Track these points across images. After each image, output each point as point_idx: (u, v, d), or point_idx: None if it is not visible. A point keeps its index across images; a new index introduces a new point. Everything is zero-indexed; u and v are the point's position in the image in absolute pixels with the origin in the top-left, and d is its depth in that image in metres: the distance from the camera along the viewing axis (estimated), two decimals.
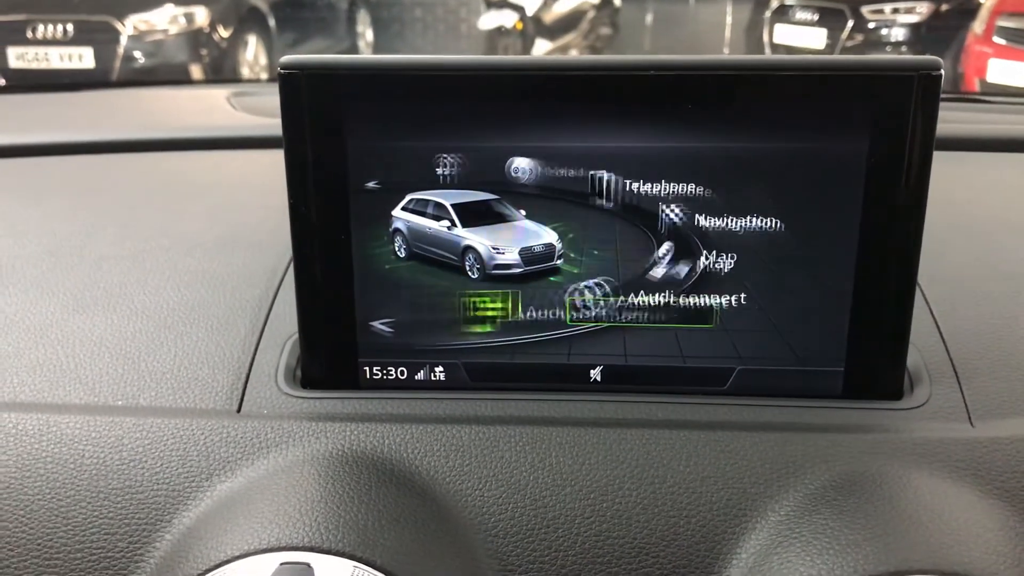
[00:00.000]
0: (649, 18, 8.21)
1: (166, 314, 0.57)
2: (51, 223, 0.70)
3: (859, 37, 5.74)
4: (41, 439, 0.49)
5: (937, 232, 0.64)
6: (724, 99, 0.47)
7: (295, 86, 0.48)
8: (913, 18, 5.67)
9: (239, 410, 0.51)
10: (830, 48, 5.78)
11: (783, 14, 6.13)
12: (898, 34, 5.70)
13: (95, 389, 0.52)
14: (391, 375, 0.52)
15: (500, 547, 0.46)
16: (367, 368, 0.52)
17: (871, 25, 5.73)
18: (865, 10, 5.73)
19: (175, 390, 0.52)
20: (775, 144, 0.48)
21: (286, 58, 0.48)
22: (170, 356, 0.54)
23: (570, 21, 7.12)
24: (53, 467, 0.48)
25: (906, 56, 0.47)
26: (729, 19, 7.67)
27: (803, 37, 6.01)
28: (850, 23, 5.74)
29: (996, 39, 4.63)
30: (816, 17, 5.94)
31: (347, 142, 0.49)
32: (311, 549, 0.42)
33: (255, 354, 0.54)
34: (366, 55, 0.52)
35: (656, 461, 0.47)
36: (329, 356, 0.52)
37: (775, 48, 6.19)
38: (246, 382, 0.52)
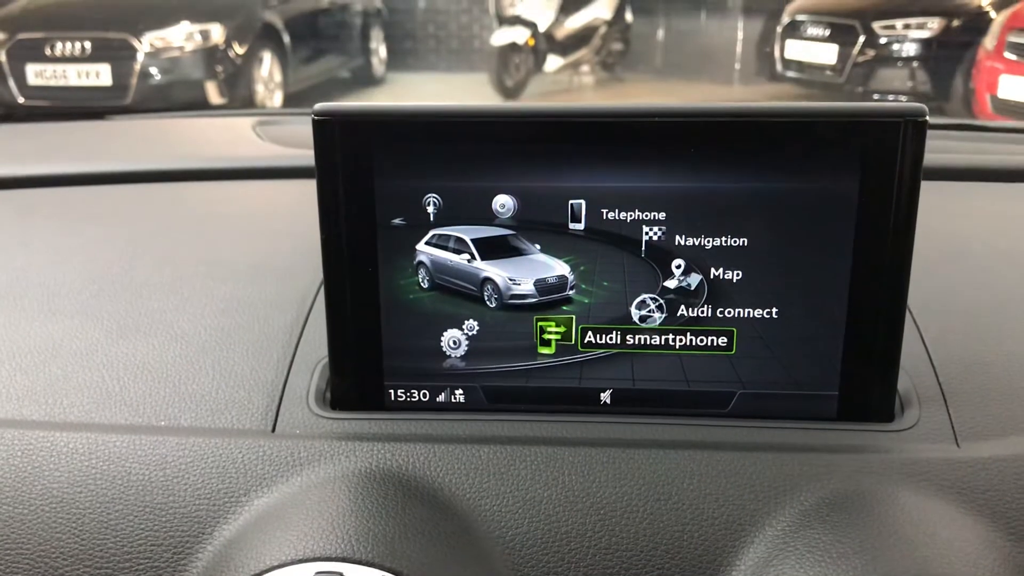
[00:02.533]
0: (661, 34, 8.25)
1: (204, 339, 0.61)
2: (91, 251, 0.74)
3: (870, 53, 5.76)
4: (90, 457, 0.53)
5: (929, 261, 0.67)
6: (726, 143, 0.51)
7: (328, 131, 0.52)
8: (924, 34, 5.69)
9: (273, 430, 0.54)
10: (841, 63, 5.80)
11: (794, 29, 6.15)
12: (909, 50, 5.71)
13: (139, 410, 0.56)
14: (414, 397, 0.56)
15: (516, 559, 0.49)
16: (392, 391, 0.56)
17: (882, 41, 5.75)
18: (876, 26, 5.74)
19: (214, 411, 0.56)
20: (773, 184, 0.51)
21: (319, 106, 0.52)
22: (208, 379, 0.58)
23: (582, 37, 7.16)
24: (102, 483, 0.52)
25: (894, 103, 0.51)
26: (740, 35, 7.70)
27: (814, 53, 6.03)
28: (861, 39, 5.75)
29: (1007, 55, 4.64)
30: (827, 33, 5.96)
31: (375, 182, 0.52)
32: (343, 559, 0.46)
33: (287, 377, 0.58)
34: (393, 103, 0.56)
35: (662, 479, 0.51)
36: (357, 379, 0.56)
37: (787, 63, 6.22)
38: (279, 403, 0.56)
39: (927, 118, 0.50)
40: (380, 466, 0.52)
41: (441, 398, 0.56)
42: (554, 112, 0.52)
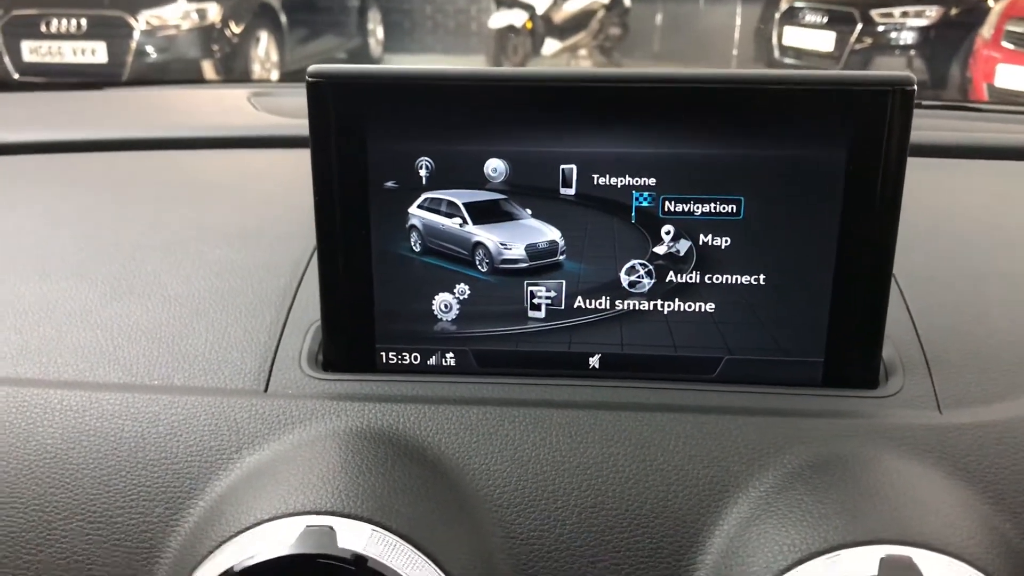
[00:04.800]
0: (659, 18, 8.24)
1: (197, 301, 0.62)
2: (85, 215, 0.74)
3: (868, 40, 5.76)
4: (84, 414, 0.54)
5: (918, 234, 0.68)
6: (716, 110, 0.51)
7: (322, 93, 0.52)
8: (922, 22, 5.69)
9: (266, 390, 0.55)
10: (839, 51, 5.80)
11: (792, 16, 6.15)
12: (907, 38, 5.72)
13: (132, 370, 0.57)
14: (405, 360, 0.57)
15: (504, 516, 0.50)
16: (383, 353, 0.57)
17: (880, 28, 5.75)
18: (874, 13, 5.74)
19: (207, 371, 0.56)
20: (762, 152, 0.52)
21: (313, 67, 0.52)
22: (202, 340, 0.58)
23: (580, 21, 7.15)
24: (96, 439, 0.53)
25: (882, 72, 0.51)
26: (739, 21, 7.69)
27: (812, 39, 6.03)
28: (859, 26, 5.75)
29: (1004, 44, 4.65)
30: (825, 20, 5.96)
31: (368, 145, 0.53)
32: (333, 513, 0.47)
33: (280, 339, 0.58)
34: (386, 66, 0.56)
35: (648, 441, 0.52)
36: (349, 342, 0.56)
37: (784, 50, 6.21)
38: (272, 364, 0.57)
39: (915, 87, 0.50)
40: (370, 425, 0.53)
41: (432, 361, 0.57)
42: (546, 77, 0.52)
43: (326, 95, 0.52)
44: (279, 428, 0.53)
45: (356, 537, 0.46)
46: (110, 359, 0.57)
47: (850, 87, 0.51)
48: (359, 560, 0.45)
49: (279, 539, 0.45)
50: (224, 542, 0.47)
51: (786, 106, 0.51)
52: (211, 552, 0.47)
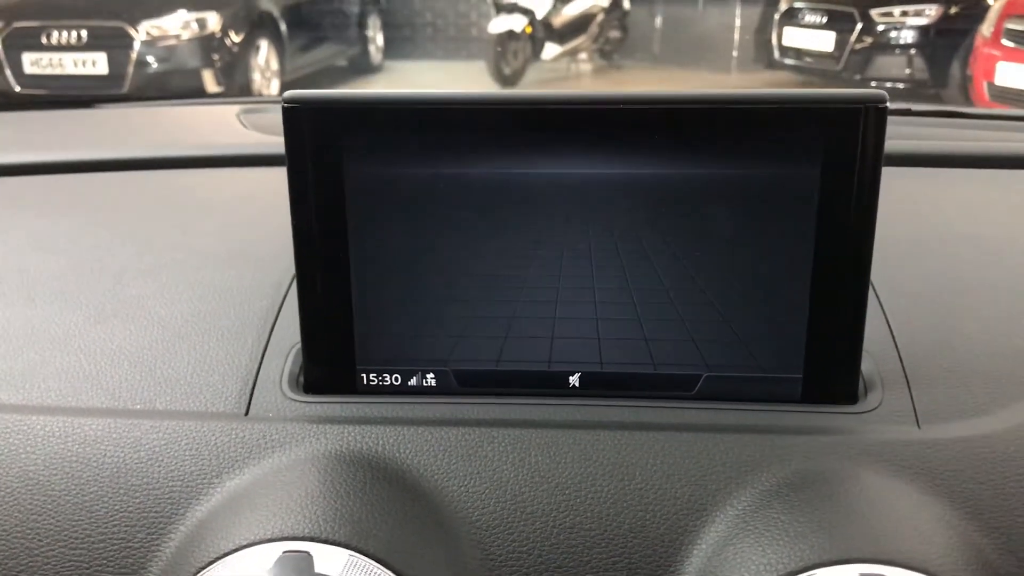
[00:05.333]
0: (658, 21, 8.24)
1: (180, 324, 0.62)
2: (71, 238, 0.75)
3: (867, 40, 5.76)
4: (66, 440, 0.54)
5: (898, 246, 0.68)
6: (689, 130, 0.52)
7: (298, 118, 0.52)
8: (922, 21, 5.68)
9: (247, 413, 0.55)
10: (838, 51, 5.80)
11: (792, 17, 6.15)
12: (906, 37, 5.71)
13: (115, 394, 0.57)
14: (386, 381, 0.57)
15: (483, 538, 0.50)
16: (364, 375, 0.57)
17: (880, 28, 5.75)
18: (874, 13, 5.74)
19: (189, 395, 0.56)
20: (735, 170, 0.52)
21: (289, 93, 0.52)
22: (184, 364, 0.59)
23: (579, 24, 7.15)
24: (77, 465, 0.53)
25: (855, 90, 0.51)
26: (738, 22, 7.69)
27: (812, 40, 6.03)
28: (859, 26, 5.75)
29: (1004, 42, 4.65)
30: (825, 20, 5.96)
31: (345, 169, 0.53)
32: (311, 539, 0.47)
33: (261, 362, 0.58)
34: (362, 91, 0.57)
35: (627, 460, 0.52)
36: (329, 364, 0.57)
37: (784, 51, 6.21)
38: (253, 388, 0.57)
39: (887, 104, 0.51)
40: (350, 448, 0.53)
41: (413, 382, 0.57)
42: (523, 99, 0.53)
43: (302, 120, 0.52)
44: (259, 452, 0.53)
45: (333, 562, 0.46)
46: (93, 384, 0.57)
47: (822, 105, 0.51)
48: None
49: (257, 565, 0.46)
50: (203, 568, 0.47)
51: (759, 124, 0.52)
52: None
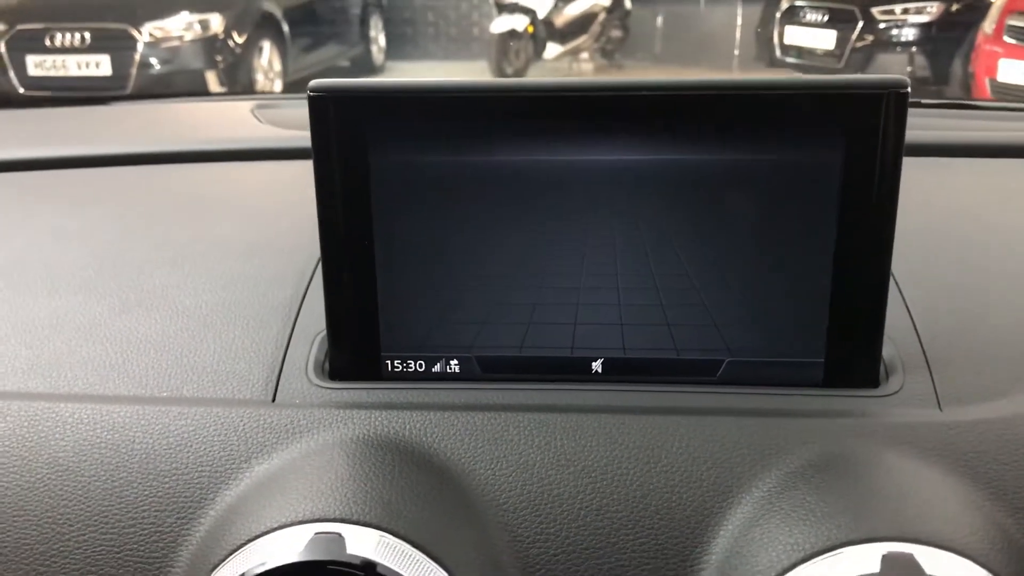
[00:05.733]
0: (660, 21, 8.24)
1: (205, 313, 0.62)
2: (93, 230, 0.75)
3: (869, 38, 5.76)
4: (95, 427, 0.54)
5: (918, 233, 0.68)
6: (711, 117, 0.52)
7: (324, 107, 0.53)
8: (923, 18, 5.69)
9: (274, 400, 0.56)
10: (840, 49, 5.80)
11: (793, 15, 6.15)
12: (908, 34, 5.72)
13: (143, 382, 0.57)
14: (411, 368, 0.57)
15: (510, 520, 0.51)
16: (389, 362, 0.57)
17: (881, 26, 5.75)
18: (875, 11, 5.74)
19: (215, 382, 0.57)
20: (758, 156, 0.53)
21: (315, 82, 0.53)
22: (210, 352, 0.59)
23: (581, 24, 7.16)
24: (107, 452, 0.54)
25: (876, 76, 0.52)
26: (739, 20, 7.69)
27: (813, 38, 6.04)
28: (860, 24, 5.75)
29: (1007, 39, 4.65)
30: (826, 18, 5.96)
31: (370, 157, 0.54)
32: (342, 520, 0.48)
33: (287, 349, 0.59)
34: (387, 79, 0.57)
35: (652, 444, 0.52)
36: (354, 351, 0.57)
37: (786, 49, 6.22)
38: (279, 375, 0.57)
39: (908, 89, 0.51)
40: (377, 433, 0.53)
41: (437, 368, 0.57)
42: (546, 86, 0.53)
43: (328, 109, 0.53)
44: (287, 437, 0.54)
45: (364, 543, 0.46)
46: (120, 372, 0.58)
47: (845, 91, 0.51)
48: (368, 565, 0.46)
49: (289, 546, 0.46)
50: (235, 551, 0.48)
51: (782, 111, 0.52)
52: (222, 561, 0.48)
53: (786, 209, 0.53)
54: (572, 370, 0.57)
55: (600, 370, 0.57)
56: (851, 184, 0.52)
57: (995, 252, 0.68)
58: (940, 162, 0.86)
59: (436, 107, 0.53)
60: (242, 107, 1.17)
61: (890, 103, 0.51)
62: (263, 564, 0.46)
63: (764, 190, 0.53)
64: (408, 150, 0.54)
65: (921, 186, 0.78)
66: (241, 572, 0.46)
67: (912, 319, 0.60)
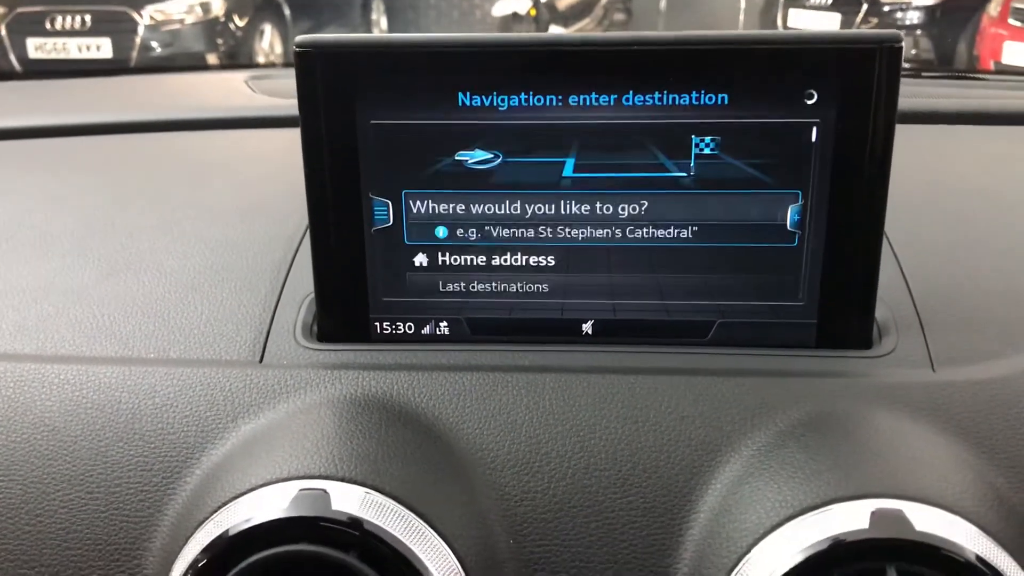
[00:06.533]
0: (663, 3, 8.20)
1: (193, 276, 0.62)
2: (83, 197, 0.75)
3: (874, 20, 5.73)
4: (82, 387, 0.54)
5: (912, 197, 0.68)
6: (705, 72, 0.51)
7: (310, 63, 0.52)
8: (928, 1, 5.65)
9: (261, 361, 0.55)
10: None
11: None
12: (913, 17, 5.68)
13: (129, 343, 0.57)
14: (400, 330, 0.57)
15: (497, 478, 0.50)
16: (377, 324, 0.57)
17: (885, 8, 5.71)
18: None
19: (202, 344, 0.57)
20: (751, 113, 0.52)
21: (301, 38, 0.52)
22: (197, 314, 0.59)
23: (584, 7, 7.13)
24: (93, 412, 0.53)
25: (870, 31, 0.51)
26: (743, 3, 7.66)
27: (817, 21, 6.00)
28: (864, 6, 5.72)
29: (1011, 21, 4.63)
30: (830, 1, 5.92)
31: (358, 115, 0.53)
32: (327, 477, 0.47)
33: (275, 311, 0.59)
34: (376, 35, 0.57)
35: (641, 403, 0.52)
36: (342, 313, 0.57)
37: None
38: (267, 336, 0.57)
39: (902, 44, 0.50)
40: (364, 392, 0.53)
41: (426, 330, 0.57)
42: (534, 42, 0.52)
43: (315, 65, 0.52)
44: (274, 397, 0.53)
45: (350, 499, 0.46)
46: (107, 333, 0.58)
47: (838, 45, 0.51)
48: (354, 522, 0.45)
49: (274, 503, 0.46)
50: (219, 508, 0.48)
51: (775, 66, 0.51)
52: (207, 518, 0.48)
53: (779, 168, 0.53)
54: (562, 332, 0.56)
55: (590, 331, 0.56)
56: (845, 141, 0.52)
57: (990, 216, 0.68)
58: (936, 129, 0.86)
59: (425, 62, 0.52)
60: (236, 78, 1.16)
61: (883, 58, 0.50)
62: (248, 520, 0.46)
63: (757, 149, 0.52)
64: (397, 107, 0.53)
65: (917, 151, 0.77)
66: (225, 528, 0.46)
67: (906, 281, 0.59)
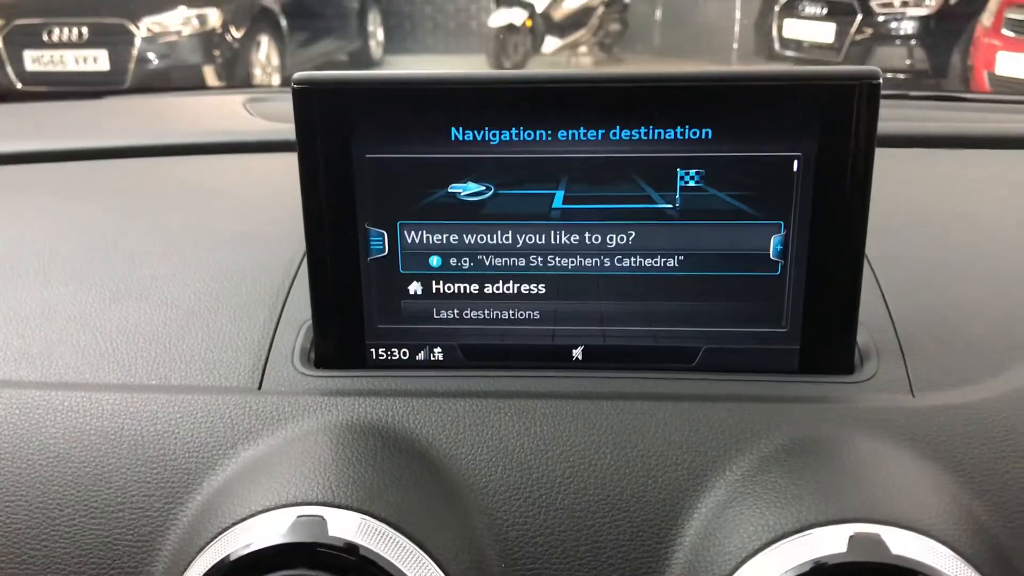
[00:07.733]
0: (658, 14, 8.24)
1: (193, 303, 0.63)
2: (85, 222, 0.76)
3: (868, 31, 5.76)
4: (85, 414, 0.56)
5: (893, 222, 0.69)
6: (687, 108, 0.53)
7: (308, 99, 0.54)
8: (922, 11, 5.68)
9: (260, 387, 0.57)
10: (839, 42, 5.80)
11: (792, 8, 6.15)
12: (907, 27, 5.71)
13: (130, 370, 0.58)
14: (395, 356, 0.58)
15: (490, 504, 0.52)
16: (373, 350, 0.58)
17: (880, 19, 5.75)
18: (874, 3, 5.74)
19: (203, 370, 0.58)
20: (734, 147, 0.53)
21: (299, 74, 0.54)
22: (198, 340, 0.60)
23: (579, 18, 7.16)
24: (96, 438, 0.55)
25: (849, 67, 0.53)
26: (738, 14, 7.69)
27: (812, 31, 6.04)
28: (859, 17, 5.75)
29: (1005, 32, 4.65)
30: (825, 11, 5.96)
31: (354, 149, 0.55)
32: (324, 504, 0.49)
33: (273, 338, 0.60)
34: (372, 71, 0.59)
35: (629, 428, 0.53)
36: (339, 340, 0.58)
37: (784, 43, 6.22)
38: (266, 363, 0.58)
39: (880, 80, 0.52)
40: (361, 419, 0.55)
41: (421, 356, 0.58)
42: (529, 79, 0.54)
43: (312, 101, 0.54)
44: (272, 424, 0.55)
45: (346, 526, 0.47)
46: (109, 360, 0.59)
47: (818, 81, 0.52)
48: (350, 547, 0.47)
49: (272, 529, 0.47)
50: (219, 534, 0.49)
51: (757, 102, 0.53)
52: (207, 543, 0.49)
53: (761, 199, 0.54)
54: (553, 357, 0.58)
55: (580, 357, 0.58)
56: (824, 174, 0.53)
57: (970, 241, 0.69)
58: (918, 153, 0.87)
59: (421, 99, 0.54)
60: (234, 100, 1.18)
61: (863, 94, 0.52)
62: (247, 546, 0.47)
63: (739, 180, 0.54)
64: (392, 141, 0.55)
65: (900, 175, 0.79)
66: (226, 554, 0.47)
67: (887, 306, 0.61)
